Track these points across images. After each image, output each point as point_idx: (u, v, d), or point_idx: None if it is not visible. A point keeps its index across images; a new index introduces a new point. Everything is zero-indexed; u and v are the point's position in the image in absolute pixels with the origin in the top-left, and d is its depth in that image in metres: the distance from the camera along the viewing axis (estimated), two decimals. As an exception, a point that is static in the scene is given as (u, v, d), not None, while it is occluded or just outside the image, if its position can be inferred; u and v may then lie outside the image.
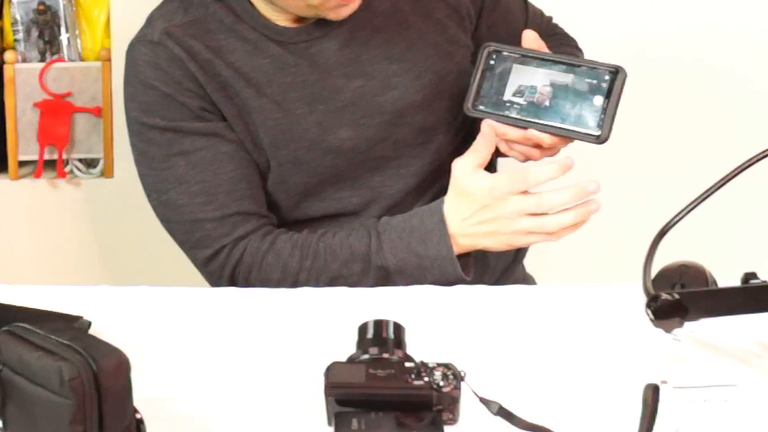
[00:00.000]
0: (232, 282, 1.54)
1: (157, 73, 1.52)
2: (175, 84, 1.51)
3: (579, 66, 1.47)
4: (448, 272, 1.48)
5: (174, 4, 1.56)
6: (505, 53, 1.50)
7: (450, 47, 1.60)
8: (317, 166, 1.55)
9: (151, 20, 1.57)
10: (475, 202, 1.46)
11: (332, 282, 1.49)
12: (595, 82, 1.45)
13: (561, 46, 1.71)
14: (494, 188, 1.45)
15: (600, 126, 1.44)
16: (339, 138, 1.54)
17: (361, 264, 1.49)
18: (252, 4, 1.55)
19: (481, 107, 1.49)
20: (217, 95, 1.52)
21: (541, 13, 1.77)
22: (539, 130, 1.46)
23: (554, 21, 1.79)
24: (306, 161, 1.54)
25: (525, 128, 1.46)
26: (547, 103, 1.46)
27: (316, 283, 1.50)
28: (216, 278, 1.55)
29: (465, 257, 1.50)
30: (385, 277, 1.49)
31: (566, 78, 1.46)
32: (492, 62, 1.50)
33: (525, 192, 1.44)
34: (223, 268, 1.53)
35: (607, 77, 1.45)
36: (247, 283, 1.52)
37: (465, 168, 1.47)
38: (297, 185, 1.56)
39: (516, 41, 1.54)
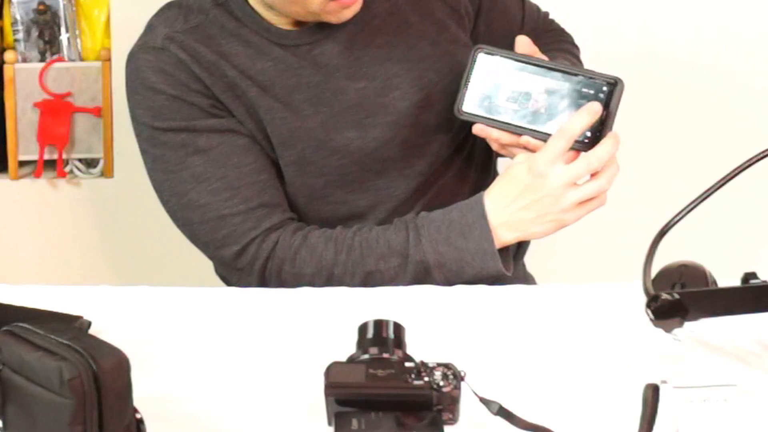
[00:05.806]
0: (262, 277, 1.52)
1: (163, 78, 1.51)
2: (182, 86, 1.51)
3: (575, 75, 1.46)
4: (489, 266, 1.46)
5: (173, 11, 1.56)
6: (497, 57, 1.49)
7: (450, 46, 1.60)
8: (323, 166, 1.54)
9: (151, 27, 1.56)
10: (517, 185, 1.44)
11: (367, 277, 1.48)
12: (592, 92, 1.44)
13: (557, 43, 1.71)
14: (533, 165, 1.43)
15: (597, 137, 1.43)
16: (346, 138, 1.53)
17: (399, 258, 1.47)
18: (253, 8, 1.55)
19: (472, 111, 1.49)
20: (224, 95, 1.52)
21: (538, 9, 1.77)
22: (534, 138, 1.45)
23: (550, 17, 1.79)
24: (313, 161, 1.54)
25: (519, 135, 1.46)
26: (542, 110, 1.45)
27: (352, 277, 1.48)
28: (246, 275, 1.53)
29: (503, 252, 1.48)
30: (424, 272, 1.47)
31: (562, 86, 1.45)
32: (483, 65, 1.49)
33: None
34: (254, 263, 1.51)
35: (605, 88, 1.43)
36: (278, 279, 1.50)
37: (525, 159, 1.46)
38: (304, 187, 1.56)
39: (513, 39, 1.54)
